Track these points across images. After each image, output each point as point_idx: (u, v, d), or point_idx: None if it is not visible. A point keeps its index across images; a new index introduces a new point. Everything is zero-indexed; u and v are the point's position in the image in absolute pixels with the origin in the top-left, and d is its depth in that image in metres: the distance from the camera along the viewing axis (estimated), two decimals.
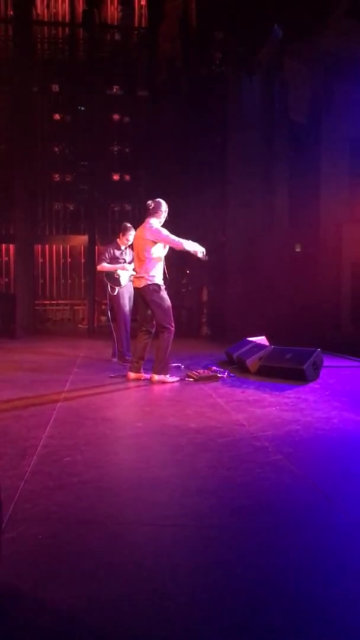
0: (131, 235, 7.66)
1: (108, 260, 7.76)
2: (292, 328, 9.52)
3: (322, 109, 9.46)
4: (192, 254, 6.44)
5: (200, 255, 6.38)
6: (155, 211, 6.46)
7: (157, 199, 6.57)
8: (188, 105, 11.86)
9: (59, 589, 2.12)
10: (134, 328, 7.59)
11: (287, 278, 10.16)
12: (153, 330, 6.50)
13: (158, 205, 6.49)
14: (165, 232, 6.34)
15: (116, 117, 13.61)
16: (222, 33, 11.23)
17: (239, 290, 10.52)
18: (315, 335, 8.54)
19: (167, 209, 6.53)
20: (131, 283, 7.62)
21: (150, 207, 6.49)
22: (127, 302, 7.81)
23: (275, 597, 2.09)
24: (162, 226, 6.45)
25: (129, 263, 7.74)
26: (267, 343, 7.60)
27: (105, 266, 7.76)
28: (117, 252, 7.81)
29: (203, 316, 12.00)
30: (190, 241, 6.36)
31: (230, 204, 10.67)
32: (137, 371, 6.52)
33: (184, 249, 6.32)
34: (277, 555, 2.41)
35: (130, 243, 7.70)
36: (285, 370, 6.44)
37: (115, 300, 7.78)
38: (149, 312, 6.45)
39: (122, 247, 7.84)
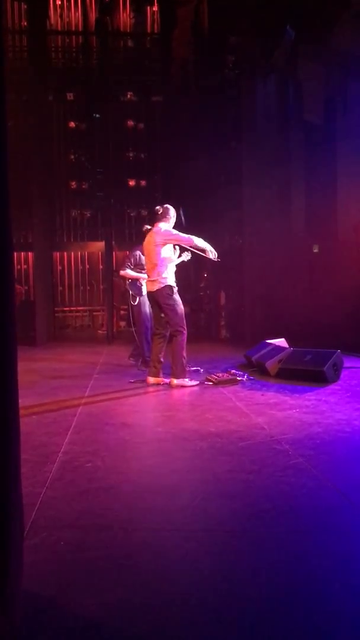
0: None
1: (132, 266, 7.64)
2: (311, 329, 9.46)
3: (337, 109, 9.39)
4: (205, 256, 6.46)
5: (211, 256, 6.40)
6: (164, 216, 6.51)
7: (165, 205, 6.64)
8: (202, 110, 11.87)
9: (81, 595, 2.12)
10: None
11: (305, 279, 10.10)
12: (167, 334, 6.52)
13: (166, 210, 6.54)
14: (174, 231, 6.37)
15: (131, 123, 13.68)
16: (234, 36, 11.23)
17: (257, 292, 10.48)
18: (334, 336, 8.46)
19: (175, 214, 6.57)
20: None
21: (159, 212, 6.54)
22: (147, 310, 7.73)
23: (299, 603, 2.07)
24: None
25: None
26: (286, 345, 7.56)
27: (128, 273, 7.63)
28: (143, 258, 7.54)
29: (221, 319, 11.99)
30: (201, 239, 6.37)
31: (247, 206, 10.64)
32: (156, 375, 6.53)
33: (195, 244, 6.33)
34: (300, 561, 2.39)
35: None
36: (305, 372, 6.40)
37: (136, 308, 7.73)
38: (163, 315, 6.47)
39: None
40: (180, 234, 6.35)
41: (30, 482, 3.20)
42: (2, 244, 1.83)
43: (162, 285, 6.32)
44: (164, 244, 6.35)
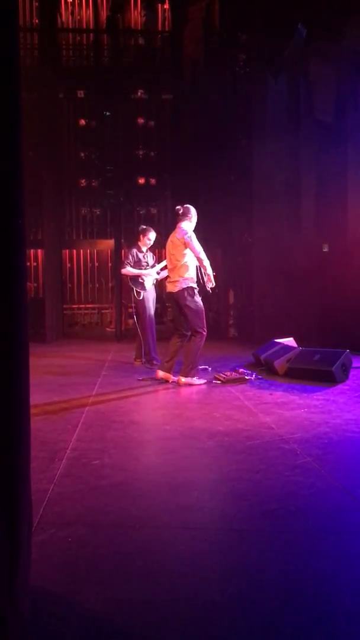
0: (152, 235, 7.81)
1: (132, 264, 7.82)
2: (320, 329, 9.43)
3: (348, 108, 9.35)
4: (203, 276, 6.38)
5: (208, 283, 6.31)
6: (185, 215, 6.48)
7: (186, 205, 6.60)
8: (213, 108, 11.84)
9: (89, 592, 2.13)
10: (161, 331, 7.61)
11: (314, 278, 10.07)
12: (188, 334, 6.47)
13: (187, 210, 6.52)
14: (194, 238, 6.33)
15: (141, 121, 13.65)
16: (246, 34, 11.19)
17: (266, 291, 10.46)
18: (343, 335, 8.44)
19: (195, 214, 6.55)
20: (154, 287, 7.78)
21: (180, 212, 6.53)
22: (151, 306, 7.89)
23: (305, 602, 2.07)
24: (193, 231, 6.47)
25: (152, 267, 7.82)
26: (295, 344, 7.54)
27: (130, 271, 7.82)
28: (140, 255, 7.88)
29: (230, 318, 11.97)
30: (209, 264, 6.32)
31: (256, 205, 10.62)
32: (167, 370, 6.52)
33: (203, 264, 6.31)
34: (306, 560, 2.39)
35: (150, 244, 7.83)
36: (314, 371, 6.39)
37: (141, 304, 7.83)
38: (183, 316, 6.46)
39: (144, 250, 7.91)
40: (197, 246, 6.29)
41: (38, 478, 3.22)
42: (16, 241, 1.84)
43: (184, 287, 6.31)
44: (186, 248, 6.33)
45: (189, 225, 6.44)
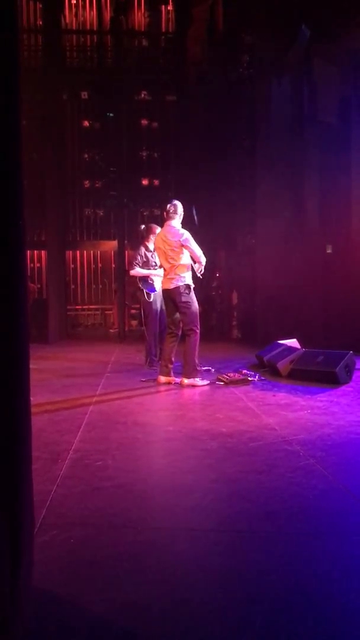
0: (158, 230, 7.77)
1: (140, 265, 7.76)
2: (323, 330, 9.41)
3: (352, 109, 9.34)
4: (194, 264, 6.49)
5: (197, 268, 6.47)
6: (175, 213, 6.53)
7: (174, 202, 6.66)
8: (216, 109, 11.84)
9: (92, 593, 2.13)
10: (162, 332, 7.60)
11: (318, 280, 10.05)
12: (180, 333, 6.52)
13: (176, 207, 6.57)
14: (191, 240, 6.36)
15: (145, 122, 13.67)
16: (249, 35, 11.18)
17: (270, 293, 10.45)
18: (347, 337, 8.41)
19: (182, 210, 6.61)
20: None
21: (170, 211, 6.54)
22: (158, 307, 7.81)
23: (308, 605, 2.06)
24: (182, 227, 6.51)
25: (160, 267, 7.76)
26: (298, 346, 7.53)
27: (139, 271, 7.75)
28: (149, 254, 7.79)
29: (233, 319, 11.96)
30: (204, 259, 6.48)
31: (259, 206, 10.61)
32: (167, 375, 6.53)
33: (203, 265, 6.45)
34: (309, 562, 2.38)
35: None
36: (317, 373, 6.38)
37: (148, 305, 7.78)
38: (177, 314, 6.47)
39: (152, 248, 7.80)
40: (196, 248, 6.35)
41: (41, 479, 3.21)
42: (16, 242, 1.84)
43: (180, 284, 6.34)
44: (183, 247, 6.34)
45: (178, 222, 6.48)
